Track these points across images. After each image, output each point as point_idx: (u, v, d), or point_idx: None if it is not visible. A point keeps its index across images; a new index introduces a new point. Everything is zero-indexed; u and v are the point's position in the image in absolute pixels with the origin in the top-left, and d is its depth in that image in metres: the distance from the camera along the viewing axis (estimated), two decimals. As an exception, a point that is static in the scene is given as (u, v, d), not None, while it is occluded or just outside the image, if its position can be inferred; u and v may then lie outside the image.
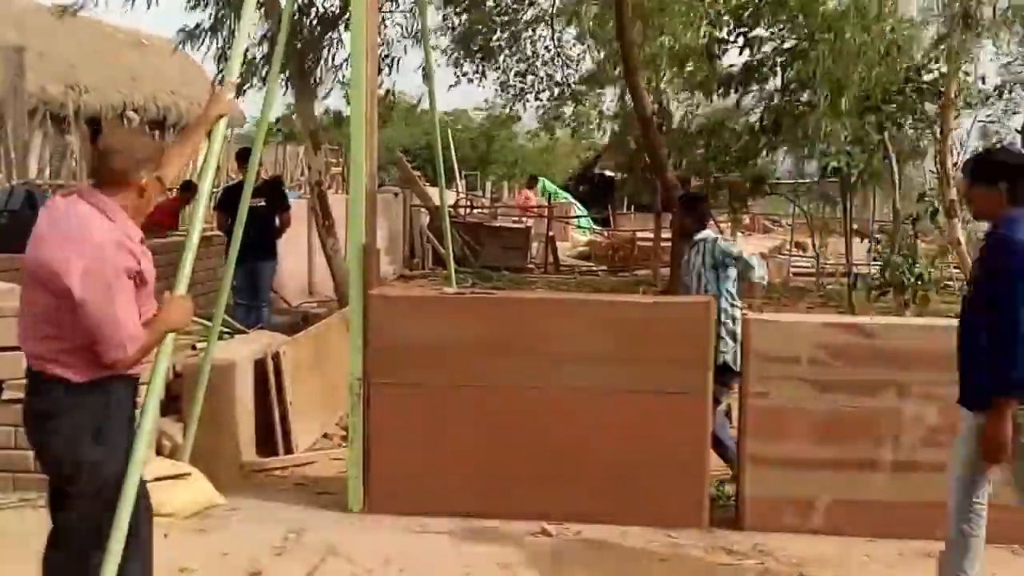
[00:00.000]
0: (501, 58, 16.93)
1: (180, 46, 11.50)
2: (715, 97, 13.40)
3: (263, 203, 9.21)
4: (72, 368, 3.31)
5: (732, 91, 13.10)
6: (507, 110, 18.97)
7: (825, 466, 5.33)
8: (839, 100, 10.63)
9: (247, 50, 12.68)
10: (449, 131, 31.93)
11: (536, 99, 17.98)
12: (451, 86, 17.59)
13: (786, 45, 11.73)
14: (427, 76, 7.25)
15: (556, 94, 17.81)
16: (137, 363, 3.41)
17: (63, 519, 3.49)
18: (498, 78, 17.51)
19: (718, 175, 13.63)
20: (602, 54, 16.76)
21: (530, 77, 17.48)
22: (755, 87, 13.18)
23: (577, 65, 17.57)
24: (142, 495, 3.56)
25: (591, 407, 5.40)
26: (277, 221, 9.62)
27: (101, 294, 3.22)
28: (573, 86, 17.55)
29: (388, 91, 15.74)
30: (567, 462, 5.41)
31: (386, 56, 12.91)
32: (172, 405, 6.10)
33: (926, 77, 12.69)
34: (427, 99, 8.46)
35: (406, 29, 13.19)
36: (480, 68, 16.89)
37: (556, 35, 16.88)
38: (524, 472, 5.43)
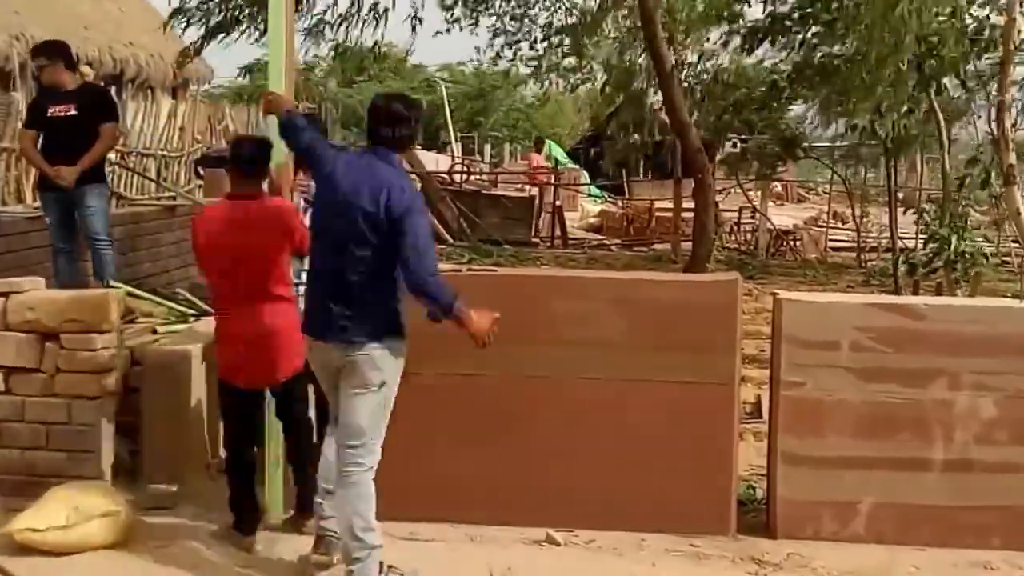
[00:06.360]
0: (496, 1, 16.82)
1: None
2: (737, 51, 13.38)
3: (74, 111, 8.31)
4: None
5: (756, 46, 13.07)
6: (499, 60, 18.78)
7: (868, 465, 5.30)
8: (887, 54, 10.60)
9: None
10: (443, 88, 31.84)
11: (531, 48, 17.82)
12: (437, 33, 17.36)
13: None
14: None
15: (553, 41, 17.65)
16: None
17: None
18: (492, 24, 17.38)
19: (745, 137, 13.61)
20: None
21: (525, 22, 17.35)
22: (781, 39, 13.16)
23: (580, 12, 17.42)
24: None
25: (604, 399, 5.37)
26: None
27: None
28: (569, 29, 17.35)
29: (376, 43, 15.81)
30: (576, 460, 5.39)
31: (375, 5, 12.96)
32: (130, 400, 6.00)
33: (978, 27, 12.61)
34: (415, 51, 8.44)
35: None
36: (473, 13, 16.76)
37: None
38: (527, 472, 5.40)
